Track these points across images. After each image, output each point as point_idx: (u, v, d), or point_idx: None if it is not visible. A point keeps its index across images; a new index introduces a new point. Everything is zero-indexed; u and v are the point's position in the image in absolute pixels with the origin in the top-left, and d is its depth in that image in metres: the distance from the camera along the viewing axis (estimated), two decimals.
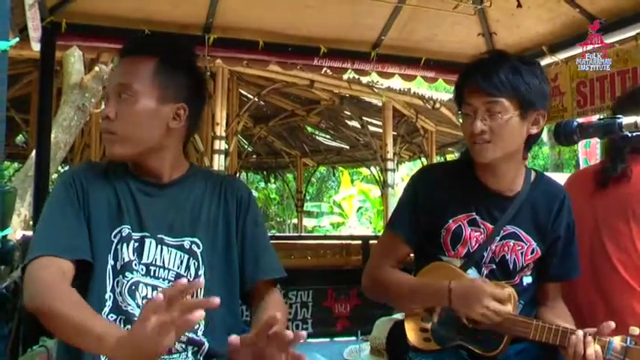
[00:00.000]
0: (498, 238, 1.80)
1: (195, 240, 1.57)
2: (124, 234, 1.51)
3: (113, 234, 1.51)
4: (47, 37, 2.72)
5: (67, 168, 8.03)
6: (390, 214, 2.07)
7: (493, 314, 1.62)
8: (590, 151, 8.87)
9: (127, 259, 1.49)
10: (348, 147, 11.86)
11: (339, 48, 3.19)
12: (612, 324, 1.58)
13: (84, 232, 1.49)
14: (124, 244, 1.50)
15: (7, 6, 1.22)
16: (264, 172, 15.30)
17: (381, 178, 9.53)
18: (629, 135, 1.54)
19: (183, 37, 2.90)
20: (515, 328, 1.68)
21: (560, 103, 3.14)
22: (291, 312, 4.92)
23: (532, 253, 1.81)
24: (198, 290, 1.53)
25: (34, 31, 2.59)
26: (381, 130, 9.07)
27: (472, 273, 1.81)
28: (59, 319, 1.32)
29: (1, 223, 1.29)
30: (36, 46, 2.74)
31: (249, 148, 12.19)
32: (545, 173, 2.00)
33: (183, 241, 1.56)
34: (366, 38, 3.21)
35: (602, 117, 2.12)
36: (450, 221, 1.81)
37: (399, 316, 2.06)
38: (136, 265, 1.50)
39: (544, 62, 3.01)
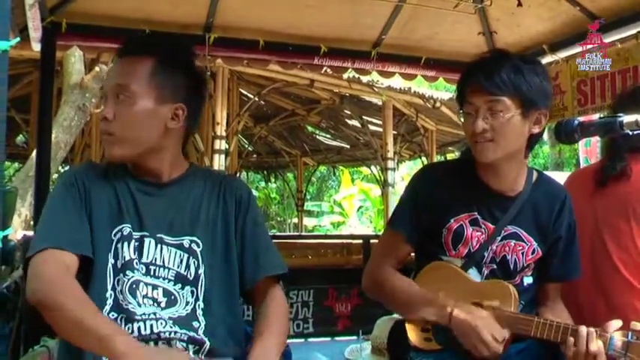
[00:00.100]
0: (499, 238, 1.80)
1: (195, 239, 1.56)
2: (124, 233, 1.51)
3: (113, 233, 1.51)
4: (47, 37, 2.73)
5: (67, 168, 8.03)
6: (390, 214, 2.07)
7: (485, 349, 1.62)
8: (590, 150, 8.87)
9: (127, 258, 1.49)
10: (348, 146, 11.86)
11: (339, 47, 3.19)
12: (618, 322, 1.58)
13: (86, 228, 1.49)
14: (125, 243, 1.50)
15: (8, 6, 1.22)
16: (265, 172, 15.32)
17: (382, 178, 9.54)
18: (630, 133, 1.54)
19: (183, 36, 2.90)
20: (516, 326, 1.67)
21: (560, 101, 3.14)
22: (292, 311, 4.92)
23: (533, 253, 1.81)
24: (199, 289, 1.54)
25: (35, 31, 2.59)
26: (381, 130, 9.07)
27: (472, 273, 1.81)
28: (62, 314, 1.33)
29: (2, 223, 1.28)
30: (36, 46, 2.75)
31: (249, 148, 12.19)
32: (546, 172, 2.00)
33: (183, 240, 1.56)
34: (367, 37, 3.21)
35: (602, 115, 2.12)
36: (452, 221, 1.81)
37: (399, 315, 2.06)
38: (136, 264, 1.50)
39: (544, 61, 3.01)
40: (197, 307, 1.52)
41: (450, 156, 10.71)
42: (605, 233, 2.03)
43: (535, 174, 1.87)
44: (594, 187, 2.09)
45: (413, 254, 1.93)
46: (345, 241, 7.29)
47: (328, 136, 11.93)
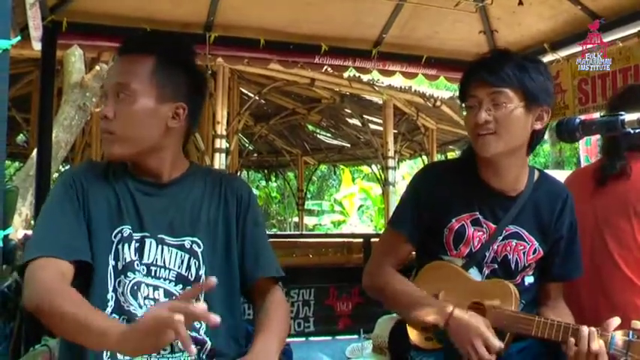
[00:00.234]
0: (501, 237, 1.80)
1: (196, 240, 1.56)
2: (124, 234, 1.51)
3: (113, 234, 1.50)
4: (48, 36, 2.72)
5: (67, 167, 8.04)
6: (391, 212, 2.07)
7: (475, 355, 1.62)
8: (590, 149, 8.85)
9: (128, 260, 1.49)
10: (348, 145, 11.86)
11: (340, 46, 3.19)
12: (617, 319, 1.58)
13: (83, 233, 1.48)
14: (125, 244, 1.50)
15: (8, 5, 1.22)
16: (265, 171, 15.33)
17: (382, 176, 9.54)
18: (632, 132, 1.54)
19: (184, 35, 2.90)
20: (517, 325, 1.67)
21: (561, 100, 3.13)
22: (292, 310, 4.92)
23: (534, 252, 1.81)
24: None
25: (35, 31, 2.59)
26: (381, 128, 9.07)
27: (473, 272, 1.81)
28: (60, 317, 1.32)
29: (3, 222, 1.28)
30: (37, 46, 2.75)
31: (250, 147, 12.19)
32: (546, 171, 2.00)
33: (184, 240, 1.55)
34: (368, 36, 3.21)
35: (603, 114, 2.12)
36: (454, 220, 1.80)
37: None
38: (137, 265, 1.50)
39: (545, 60, 3.01)
40: None
41: (450, 155, 10.72)
42: (606, 232, 2.03)
43: (536, 173, 1.87)
44: (594, 186, 2.09)
45: (414, 253, 1.93)
46: (345, 240, 7.28)
47: (329, 135, 11.93)
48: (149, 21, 2.83)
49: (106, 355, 1.42)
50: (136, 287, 1.48)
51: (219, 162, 7.16)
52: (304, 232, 12.52)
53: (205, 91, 1.70)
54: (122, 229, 1.51)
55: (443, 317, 1.68)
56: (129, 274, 1.48)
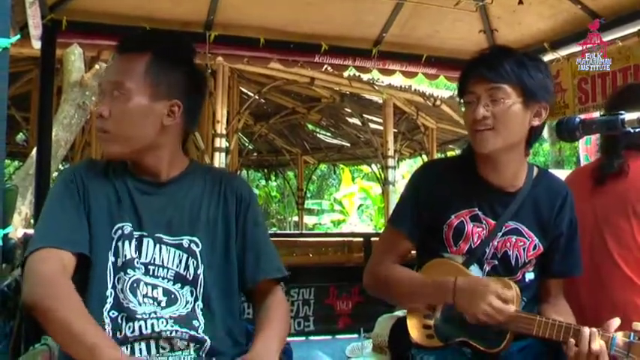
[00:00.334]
0: (500, 233, 1.80)
1: (195, 239, 1.56)
2: (125, 231, 1.51)
3: (113, 230, 1.51)
4: (48, 35, 2.72)
5: (67, 166, 8.04)
6: (390, 212, 2.07)
7: (495, 312, 1.62)
8: (590, 148, 8.84)
9: (128, 257, 1.49)
10: (348, 144, 11.86)
11: (340, 45, 3.19)
12: (618, 320, 1.58)
13: (84, 227, 1.49)
14: (125, 242, 1.50)
15: (8, 3, 1.21)
16: (265, 170, 15.33)
17: (382, 176, 9.54)
18: (632, 131, 1.54)
19: (183, 34, 2.89)
20: (518, 325, 1.67)
21: (561, 99, 3.13)
22: (292, 309, 4.92)
23: (534, 249, 1.81)
24: (198, 289, 1.54)
25: (35, 29, 2.59)
26: (381, 128, 9.07)
27: (474, 269, 1.81)
28: (55, 322, 1.33)
29: (3, 221, 1.28)
30: (36, 44, 2.74)
31: (249, 146, 12.19)
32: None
33: (182, 239, 1.55)
34: (368, 35, 3.21)
35: (603, 113, 2.12)
36: (453, 217, 1.81)
37: (401, 313, 2.06)
38: (137, 262, 1.50)
39: (546, 59, 3.00)
40: (196, 306, 1.52)
41: (450, 154, 10.71)
42: (605, 231, 2.03)
43: (536, 170, 1.87)
44: (593, 185, 2.09)
45: (414, 252, 1.93)
46: (345, 239, 7.28)
47: (329, 134, 11.92)
48: (149, 20, 2.83)
49: None
50: (135, 285, 1.48)
51: (219, 161, 7.16)
52: (304, 232, 12.52)
53: (204, 89, 1.70)
54: (122, 226, 1.51)
55: (448, 292, 1.68)
56: (128, 271, 1.49)
